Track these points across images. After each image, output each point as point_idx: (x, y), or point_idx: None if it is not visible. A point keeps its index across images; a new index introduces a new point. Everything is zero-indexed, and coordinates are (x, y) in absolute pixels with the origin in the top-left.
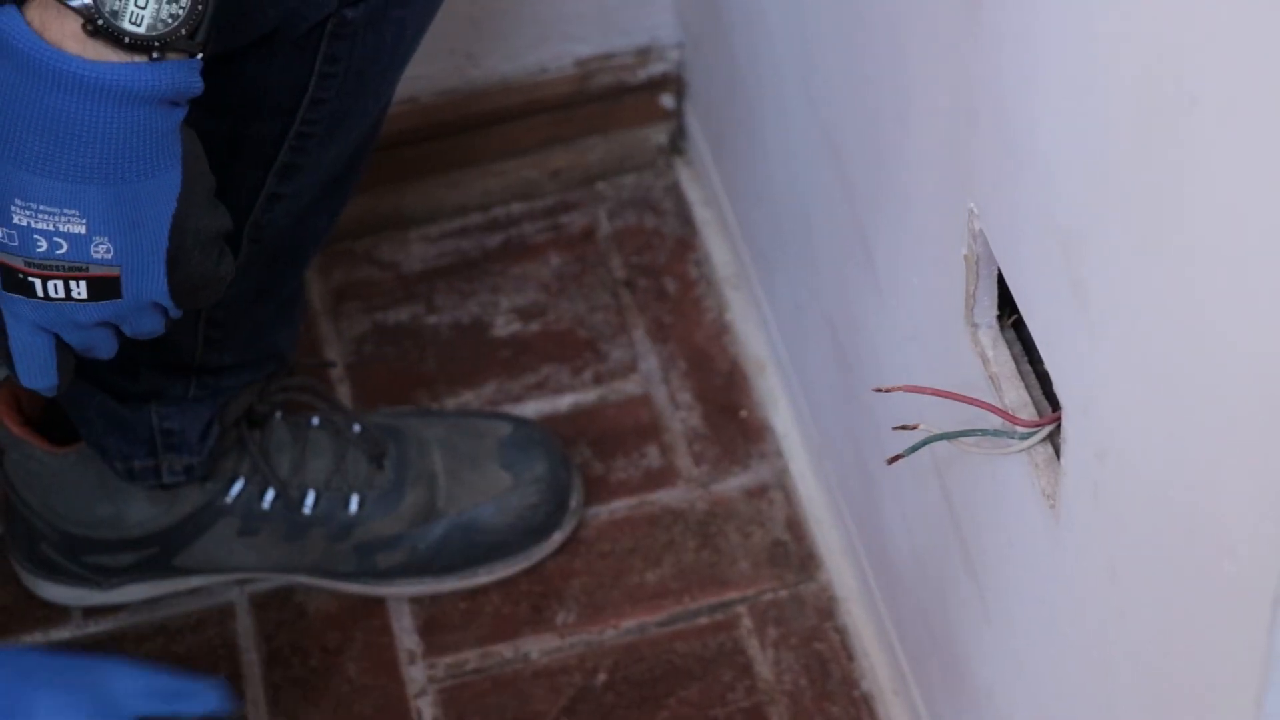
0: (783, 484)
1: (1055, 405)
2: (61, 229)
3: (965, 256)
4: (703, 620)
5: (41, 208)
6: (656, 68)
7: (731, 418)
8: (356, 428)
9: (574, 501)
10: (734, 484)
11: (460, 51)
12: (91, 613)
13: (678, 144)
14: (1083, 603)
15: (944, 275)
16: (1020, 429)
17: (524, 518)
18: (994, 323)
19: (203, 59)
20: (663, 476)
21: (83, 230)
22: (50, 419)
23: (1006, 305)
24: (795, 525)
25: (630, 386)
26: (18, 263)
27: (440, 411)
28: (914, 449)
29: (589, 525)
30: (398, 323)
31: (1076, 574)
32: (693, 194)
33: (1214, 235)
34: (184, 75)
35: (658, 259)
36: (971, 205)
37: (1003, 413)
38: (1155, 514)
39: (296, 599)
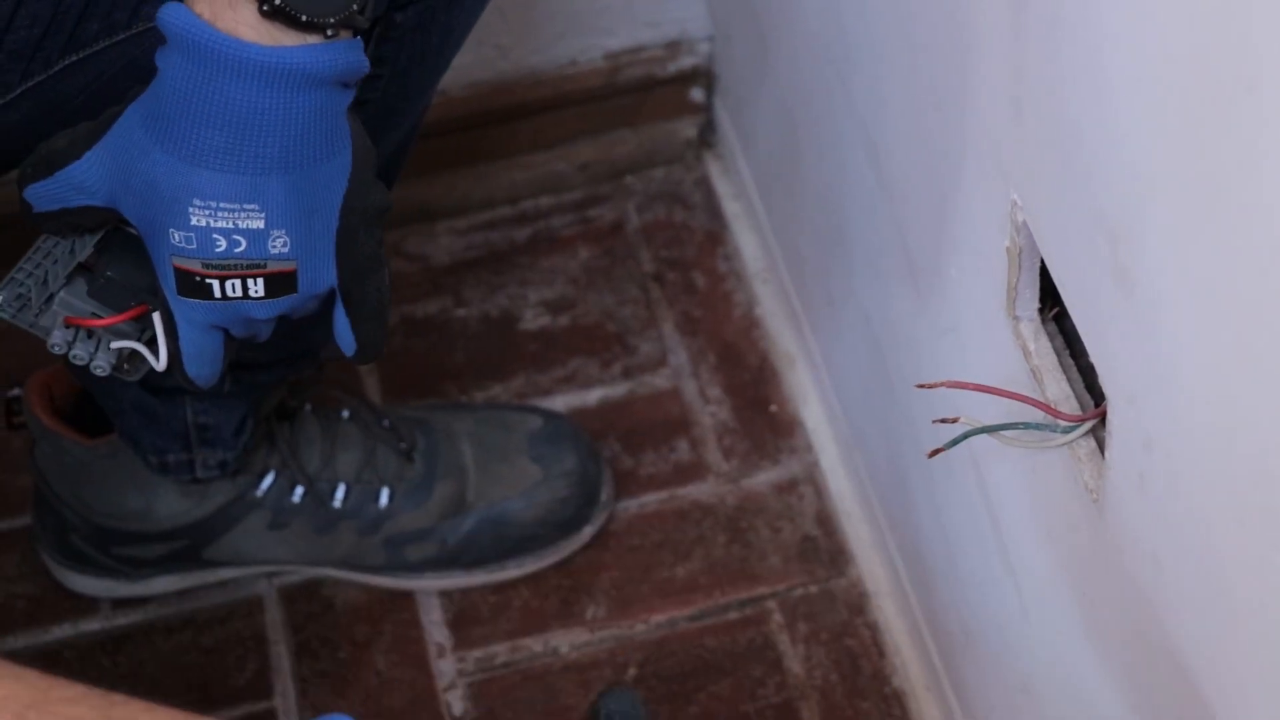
0: (813, 479)
1: (1097, 398)
2: (241, 226)
3: (1007, 249)
4: (733, 615)
5: (221, 205)
6: (686, 61)
7: (761, 412)
8: (386, 421)
9: (603, 495)
10: (764, 479)
11: (489, 44)
12: (120, 604)
13: (707, 138)
14: (1125, 596)
15: (984, 268)
16: (1063, 423)
17: (553, 511)
18: (1035, 315)
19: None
20: (692, 471)
21: (261, 225)
22: (81, 410)
23: (1047, 298)
24: (825, 520)
25: (659, 380)
26: (195, 265)
27: (469, 405)
28: (955, 443)
29: (618, 519)
30: (426, 315)
31: (1119, 566)
32: (722, 188)
33: (1269, 224)
34: (355, 54)
35: (687, 253)
36: (1015, 197)
37: (1047, 407)
38: (1204, 505)
39: (325, 592)
